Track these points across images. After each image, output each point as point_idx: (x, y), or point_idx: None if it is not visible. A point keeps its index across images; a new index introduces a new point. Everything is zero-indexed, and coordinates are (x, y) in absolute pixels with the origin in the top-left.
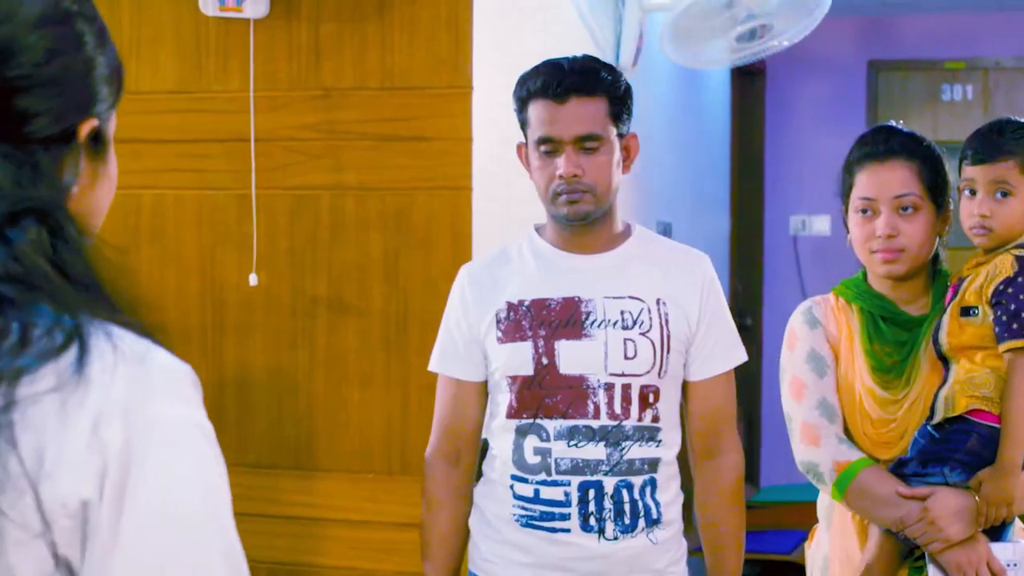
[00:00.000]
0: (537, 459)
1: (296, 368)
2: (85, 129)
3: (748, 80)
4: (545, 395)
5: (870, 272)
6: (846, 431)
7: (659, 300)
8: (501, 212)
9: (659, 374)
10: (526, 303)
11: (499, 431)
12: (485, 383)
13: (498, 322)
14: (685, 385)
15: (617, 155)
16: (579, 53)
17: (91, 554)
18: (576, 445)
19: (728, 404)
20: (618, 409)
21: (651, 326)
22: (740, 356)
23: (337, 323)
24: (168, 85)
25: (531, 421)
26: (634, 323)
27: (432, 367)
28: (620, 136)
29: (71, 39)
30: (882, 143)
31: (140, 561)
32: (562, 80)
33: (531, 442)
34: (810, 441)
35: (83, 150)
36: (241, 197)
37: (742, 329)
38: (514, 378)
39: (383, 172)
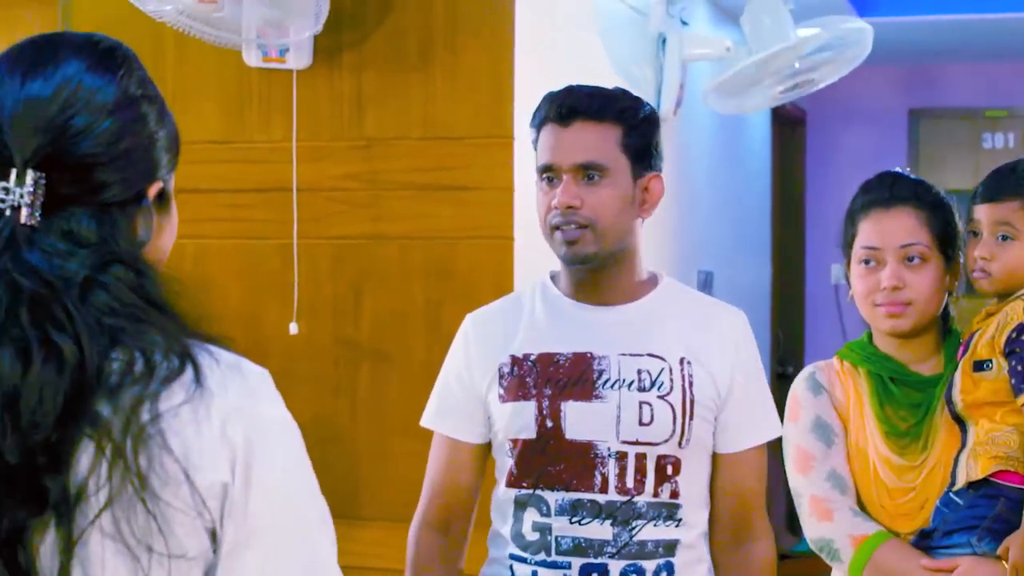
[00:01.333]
0: (536, 536)
1: (338, 417)
2: (152, 191)
3: (789, 128)
4: (547, 462)
5: (874, 329)
6: (860, 505)
7: (683, 360)
8: (544, 262)
9: (680, 443)
10: (532, 357)
11: (500, 502)
12: (485, 446)
13: (501, 378)
14: (713, 458)
15: (629, 193)
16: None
17: (228, 525)
18: (579, 522)
19: (760, 483)
20: (630, 482)
21: (672, 388)
22: (775, 429)
23: (379, 372)
24: (211, 135)
25: (531, 492)
26: (652, 384)
27: (426, 423)
28: (638, 176)
29: (137, 120)
30: (887, 189)
31: (266, 527)
32: (566, 100)
33: (530, 516)
34: (822, 516)
35: (153, 207)
36: (283, 246)
37: (783, 378)
38: (515, 441)
39: (425, 222)
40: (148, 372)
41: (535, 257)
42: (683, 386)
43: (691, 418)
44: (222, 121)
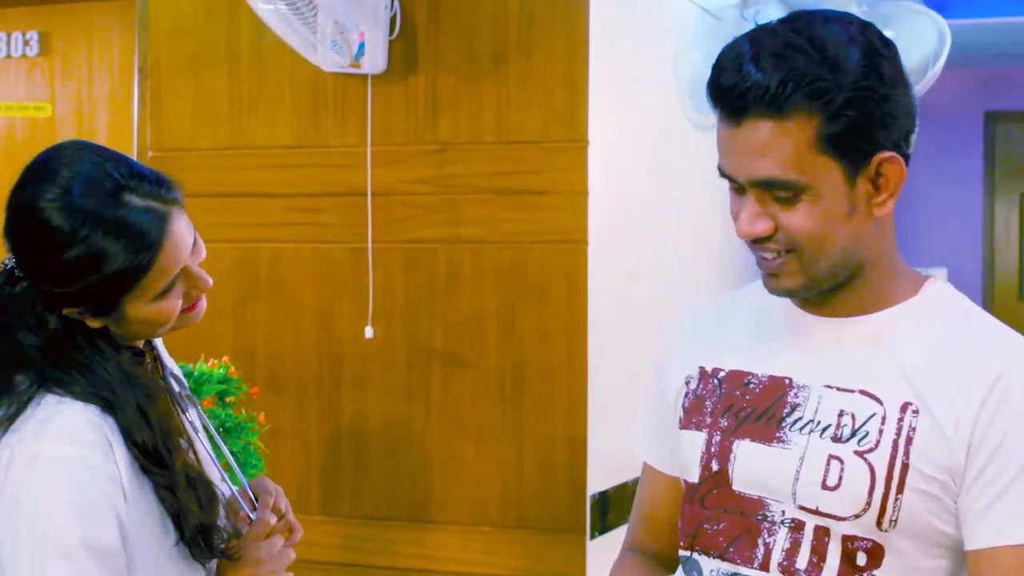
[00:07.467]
0: None
1: (411, 421)
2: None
3: None
4: (705, 518)
5: None
6: None
7: (907, 406)
8: (617, 267)
9: (879, 523)
10: (721, 374)
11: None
12: None
13: (685, 395)
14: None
15: (842, 202)
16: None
17: None
18: None
19: None
20: (800, 563)
21: (878, 444)
22: None
23: (452, 376)
24: (286, 140)
25: (688, 553)
26: (852, 434)
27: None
28: (859, 168)
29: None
30: None
31: (4, 532)
32: (735, 87)
33: None
34: None
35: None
36: (357, 251)
37: None
38: (684, 484)
39: (499, 226)
40: None
41: (608, 261)
42: (896, 442)
43: (899, 491)
44: (297, 126)
